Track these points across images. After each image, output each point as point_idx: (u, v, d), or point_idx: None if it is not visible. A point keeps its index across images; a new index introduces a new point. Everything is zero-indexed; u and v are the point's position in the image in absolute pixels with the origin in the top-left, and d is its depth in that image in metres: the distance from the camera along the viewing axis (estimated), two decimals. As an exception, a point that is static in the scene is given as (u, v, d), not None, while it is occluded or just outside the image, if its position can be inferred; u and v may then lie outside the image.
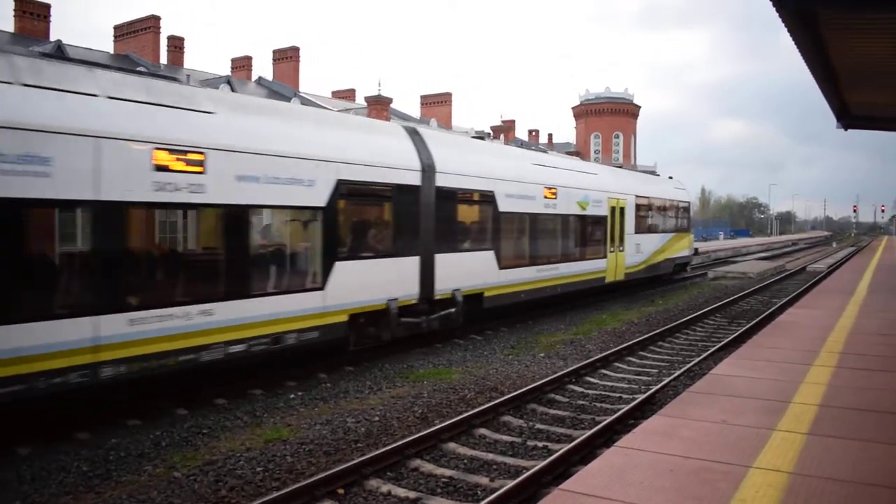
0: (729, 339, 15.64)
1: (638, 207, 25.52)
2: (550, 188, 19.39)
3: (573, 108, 73.00)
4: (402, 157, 14.14)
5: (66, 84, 8.86)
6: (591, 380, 12.59)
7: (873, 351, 11.37)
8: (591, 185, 22.22)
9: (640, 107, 71.14)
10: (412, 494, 7.31)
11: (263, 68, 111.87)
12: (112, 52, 41.61)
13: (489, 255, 16.75)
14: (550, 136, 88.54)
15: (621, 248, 23.86)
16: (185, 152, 9.83)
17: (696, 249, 35.05)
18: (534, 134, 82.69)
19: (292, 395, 11.17)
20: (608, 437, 8.87)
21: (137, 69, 19.76)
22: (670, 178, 33.31)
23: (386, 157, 13.64)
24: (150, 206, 9.60)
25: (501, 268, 17.04)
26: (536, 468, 7.51)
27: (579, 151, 65.64)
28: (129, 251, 9.55)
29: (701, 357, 13.75)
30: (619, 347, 14.77)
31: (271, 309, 11.09)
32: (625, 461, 6.25)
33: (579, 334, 17.23)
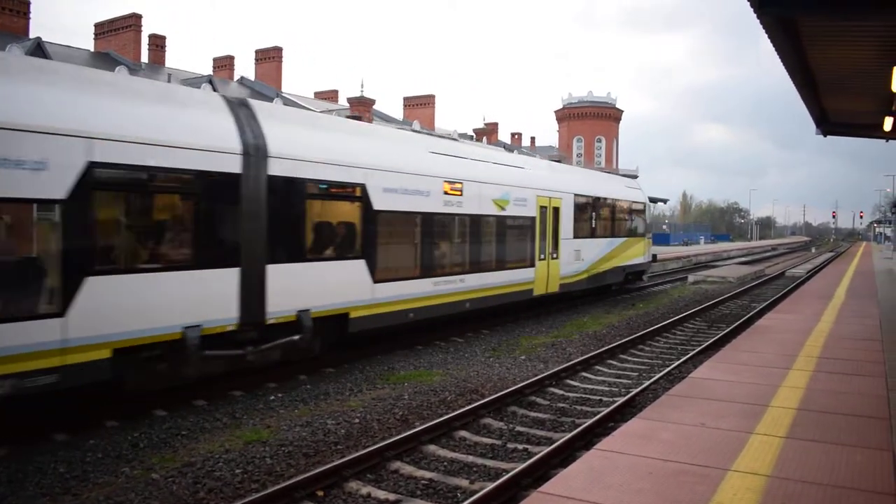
0: (708, 342, 15.74)
1: (578, 208, 22.22)
2: (453, 182, 15.92)
3: (556, 112, 73.30)
4: (211, 135, 10.57)
5: None
6: (572, 382, 12.63)
7: (851, 355, 11.49)
8: (514, 181, 18.68)
9: (622, 111, 71.52)
10: (392, 496, 7.29)
11: (246, 68, 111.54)
12: (93, 49, 41.25)
13: (357, 266, 13.21)
14: (533, 139, 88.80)
15: (555, 256, 20.58)
16: None
17: (654, 256, 31.90)
18: (516, 137, 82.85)
19: (272, 397, 11.10)
20: (588, 439, 8.89)
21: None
22: (635, 177, 31.79)
23: (182, 135, 10.11)
24: None
25: (377, 281, 13.55)
26: (516, 470, 7.51)
27: (562, 155, 65.88)
28: None
29: (681, 360, 13.83)
30: (600, 350, 14.81)
31: None
32: (604, 464, 6.27)
33: (560, 337, 17.27)
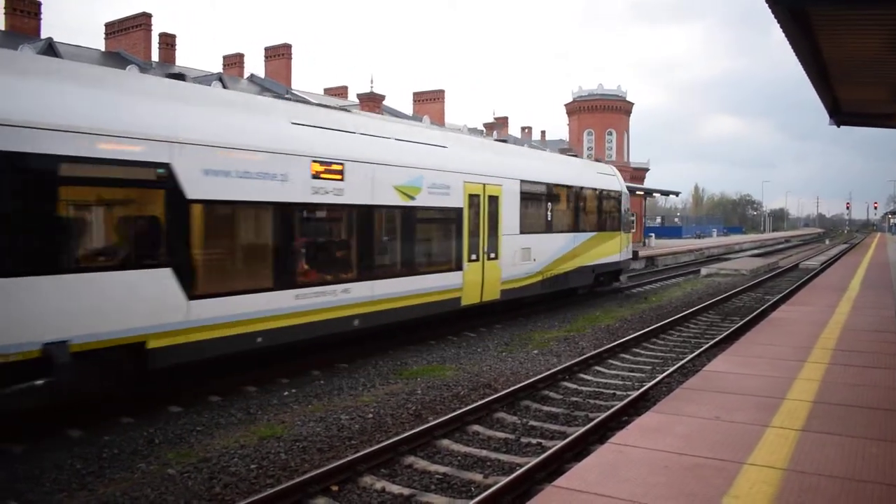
0: (722, 335, 15.66)
1: (527, 197, 18.67)
2: (327, 163, 12.21)
3: (566, 105, 73.04)
4: None
5: None
6: (585, 376, 12.60)
7: (866, 347, 11.41)
8: (430, 163, 14.95)
9: (633, 104, 71.16)
10: (406, 491, 7.30)
11: (256, 65, 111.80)
12: (103, 49, 41.44)
13: (159, 277, 9.61)
14: (543, 132, 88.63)
15: (493, 255, 16.95)
16: None
17: (635, 253, 28.14)
18: (527, 131, 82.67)
19: (286, 393, 11.14)
20: (602, 433, 8.87)
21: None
22: (597, 160, 25.90)
23: None
24: None
25: (197, 296, 10.02)
26: (530, 465, 7.51)
27: (571, 148, 65.73)
28: None
29: (694, 354, 13.77)
30: (613, 344, 14.77)
31: None
32: (619, 458, 6.26)
33: (573, 331, 17.23)
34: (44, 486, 7.40)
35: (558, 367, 12.48)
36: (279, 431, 9.12)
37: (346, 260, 13.08)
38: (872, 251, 48.75)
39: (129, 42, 41.22)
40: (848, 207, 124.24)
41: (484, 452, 8.51)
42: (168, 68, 40.72)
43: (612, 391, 11.54)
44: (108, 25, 42.55)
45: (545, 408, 10.55)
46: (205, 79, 37.40)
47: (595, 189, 22.92)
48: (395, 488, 7.38)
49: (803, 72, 13.99)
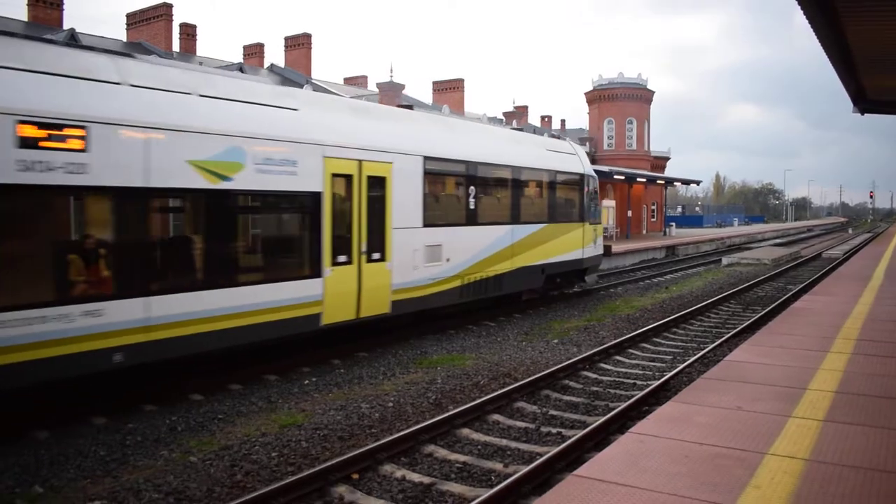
0: (743, 325, 15.55)
1: (434, 180, 14.73)
2: (54, 126, 8.27)
3: (586, 94, 72.40)
4: None
5: None
6: (605, 366, 12.57)
7: (889, 338, 11.28)
8: (257, 129, 10.77)
9: (653, 92, 70.36)
10: (426, 479, 7.33)
11: (275, 55, 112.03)
12: (125, 39, 41.73)
13: None
14: (563, 121, 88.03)
15: (377, 256, 12.98)
16: None
17: (608, 249, 23.88)
18: (546, 120, 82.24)
19: (307, 381, 11.22)
20: (622, 423, 8.86)
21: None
22: (557, 136, 19.74)
23: None
24: None
25: None
26: (550, 454, 7.51)
27: (592, 137, 65.27)
28: None
29: (715, 343, 13.68)
30: (633, 334, 14.71)
31: None
32: (639, 447, 6.24)
33: (593, 321, 17.18)
34: (68, 472, 7.51)
35: (578, 357, 12.45)
36: (300, 420, 9.19)
37: (96, 271, 8.95)
38: (897, 240, 48.12)
39: (151, 32, 41.53)
40: (871, 196, 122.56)
41: (504, 441, 8.52)
42: (189, 58, 40.93)
43: (632, 381, 11.51)
44: (130, 16, 42.92)
45: (565, 397, 10.55)
46: (225, 69, 37.53)
47: (544, 169, 18.62)
48: (416, 476, 7.42)
49: (826, 59, 13.82)
